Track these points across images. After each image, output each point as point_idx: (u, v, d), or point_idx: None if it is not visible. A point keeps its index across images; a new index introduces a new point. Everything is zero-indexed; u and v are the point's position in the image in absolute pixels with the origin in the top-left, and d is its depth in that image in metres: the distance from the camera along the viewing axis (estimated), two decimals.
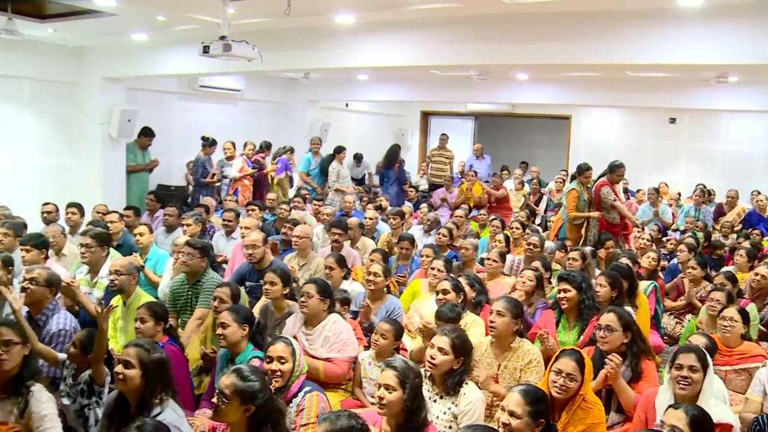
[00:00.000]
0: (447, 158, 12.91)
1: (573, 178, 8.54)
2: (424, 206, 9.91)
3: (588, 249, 6.78)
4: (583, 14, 5.94)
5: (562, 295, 4.68)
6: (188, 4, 6.34)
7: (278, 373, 3.42)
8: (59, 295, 4.55)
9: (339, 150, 10.93)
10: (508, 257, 6.79)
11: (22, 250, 5.34)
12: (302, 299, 4.35)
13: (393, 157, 12.33)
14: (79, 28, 7.93)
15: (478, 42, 6.54)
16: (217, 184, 10.23)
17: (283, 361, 3.46)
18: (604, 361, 3.80)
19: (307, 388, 3.47)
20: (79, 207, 7.24)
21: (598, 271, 6.00)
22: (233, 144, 10.41)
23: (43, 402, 3.27)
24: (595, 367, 3.64)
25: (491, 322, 4.06)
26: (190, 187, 10.60)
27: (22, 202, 8.07)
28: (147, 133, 9.79)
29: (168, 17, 7.13)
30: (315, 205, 9.02)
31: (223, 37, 5.39)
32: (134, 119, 9.48)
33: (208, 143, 10.15)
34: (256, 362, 3.70)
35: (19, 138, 9.03)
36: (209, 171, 10.00)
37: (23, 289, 4.20)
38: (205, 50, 5.42)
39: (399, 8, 6.36)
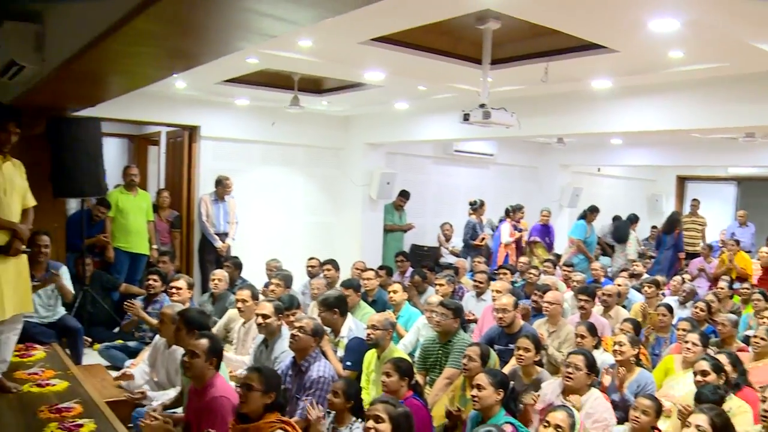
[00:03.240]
0: (700, 225, 12.14)
1: None
2: (677, 277, 9.33)
3: None
4: None
5: None
6: (449, 75, 6.64)
7: None
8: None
9: (592, 210, 10.71)
10: None
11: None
12: (569, 370, 4.27)
13: (674, 223, 11.75)
14: (349, 99, 8.64)
15: (748, 102, 6.12)
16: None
17: (559, 430, 3.45)
18: None
19: None
20: (335, 263, 7.76)
21: None
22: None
23: None
24: None
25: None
26: (442, 249, 10.91)
27: (290, 256, 8.84)
28: (403, 195, 10.32)
29: (429, 87, 7.52)
30: (564, 270, 8.86)
31: (482, 105, 5.54)
32: (393, 182, 10.03)
33: (478, 206, 10.44)
34: (509, 429, 3.70)
35: (291, 197, 9.94)
36: (479, 234, 10.25)
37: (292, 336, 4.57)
38: (466, 118, 5.60)
39: (659, 72, 6.17)
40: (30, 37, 5.09)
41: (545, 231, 10.83)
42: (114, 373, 5.56)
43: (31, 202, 4.51)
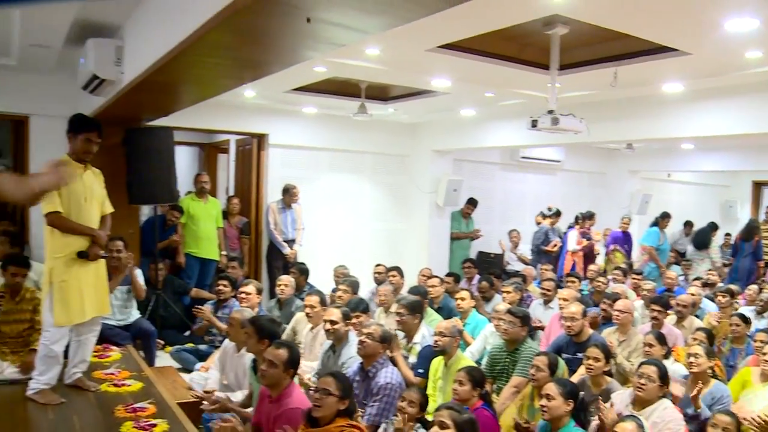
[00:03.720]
0: None
1: None
2: (754, 285, 9.01)
3: None
4: None
5: None
6: (516, 81, 6.60)
7: None
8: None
9: (665, 216, 10.46)
10: None
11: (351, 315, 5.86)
12: (642, 381, 4.18)
13: (753, 230, 11.38)
14: (416, 106, 8.65)
15: None
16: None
17: None
18: None
19: None
20: (400, 270, 7.77)
21: None
22: (543, 215, 10.54)
23: None
24: None
25: None
26: (509, 256, 10.82)
27: (357, 262, 8.90)
28: (471, 203, 10.29)
29: (496, 94, 7.48)
30: (634, 279, 8.67)
31: (550, 111, 5.49)
32: (459, 189, 10.00)
33: (554, 213, 10.35)
34: None
35: (358, 204, 10.01)
36: (551, 240, 10.16)
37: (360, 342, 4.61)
38: (534, 124, 5.56)
39: (734, 73, 5.99)
40: (110, 52, 5.30)
41: (625, 238, 10.63)
42: (185, 375, 5.71)
43: (109, 209, 4.67)
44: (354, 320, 5.73)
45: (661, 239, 10.34)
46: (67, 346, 4.57)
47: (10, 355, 5.04)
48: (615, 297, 6.45)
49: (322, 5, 2.84)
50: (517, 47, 5.89)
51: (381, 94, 8.30)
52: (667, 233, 10.63)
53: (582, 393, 4.19)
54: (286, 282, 6.98)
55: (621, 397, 4.34)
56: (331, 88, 7.71)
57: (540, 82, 6.20)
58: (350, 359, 4.92)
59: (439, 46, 5.45)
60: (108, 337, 5.71)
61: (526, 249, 10.79)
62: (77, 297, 4.38)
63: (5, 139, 8.29)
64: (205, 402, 4.28)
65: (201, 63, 4.20)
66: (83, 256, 4.36)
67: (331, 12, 2.93)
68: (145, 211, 8.53)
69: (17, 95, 7.25)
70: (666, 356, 5.27)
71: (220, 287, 6.52)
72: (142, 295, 6.36)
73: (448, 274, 8.21)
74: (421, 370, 5.17)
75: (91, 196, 4.46)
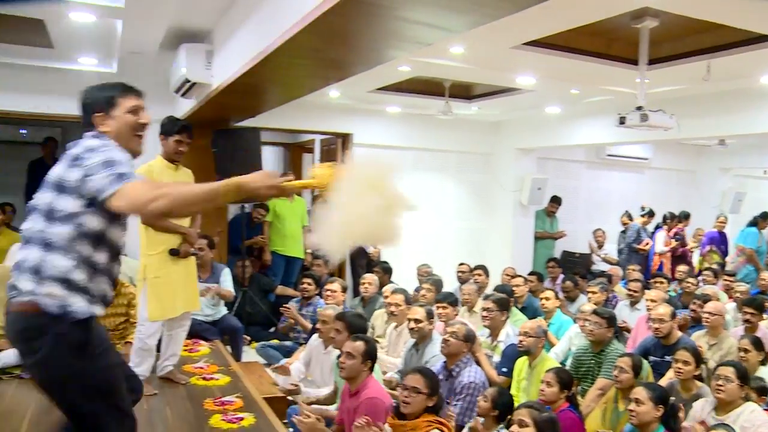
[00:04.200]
0: None
1: None
2: None
3: None
4: None
5: None
6: (603, 77, 6.47)
7: None
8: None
9: (764, 216, 10.01)
10: None
11: (437, 307, 5.88)
12: (719, 383, 4.06)
13: None
14: (499, 104, 8.59)
15: None
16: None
17: None
18: None
19: None
20: (485, 269, 7.73)
21: None
22: (629, 216, 10.28)
23: None
24: None
25: None
26: (594, 256, 10.61)
27: (440, 261, 8.90)
28: (555, 200, 10.14)
29: (582, 90, 7.35)
30: (726, 280, 8.36)
31: (639, 108, 5.35)
32: (544, 187, 9.87)
33: (647, 213, 10.12)
34: None
35: (441, 203, 9.99)
36: (642, 239, 9.94)
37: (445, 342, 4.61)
38: (622, 121, 5.43)
39: None
40: (201, 56, 5.48)
41: (721, 239, 10.26)
42: (271, 372, 5.83)
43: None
44: (441, 311, 5.76)
45: (760, 241, 9.91)
46: (160, 340, 4.74)
47: None
48: (705, 298, 6.23)
49: (408, 4, 2.85)
50: (604, 42, 5.77)
51: (465, 92, 8.27)
52: (765, 234, 10.17)
53: (672, 398, 4.08)
54: (370, 280, 7.04)
55: (702, 405, 4.20)
56: (415, 87, 7.73)
57: (628, 77, 6.04)
58: (433, 358, 4.92)
59: (524, 43, 5.39)
60: (197, 332, 5.88)
61: (611, 249, 10.56)
62: (169, 293, 4.53)
63: None
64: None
65: (288, 65, 4.29)
66: (175, 253, 4.51)
67: (417, 11, 2.94)
68: (232, 210, 8.75)
69: None
70: (763, 362, 5.07)
71: (305, 285, 6.63)
72: (230, 298, 6.52)
73: (531, 273, 8.12)
74: (505, 369, 5.14)
75: None
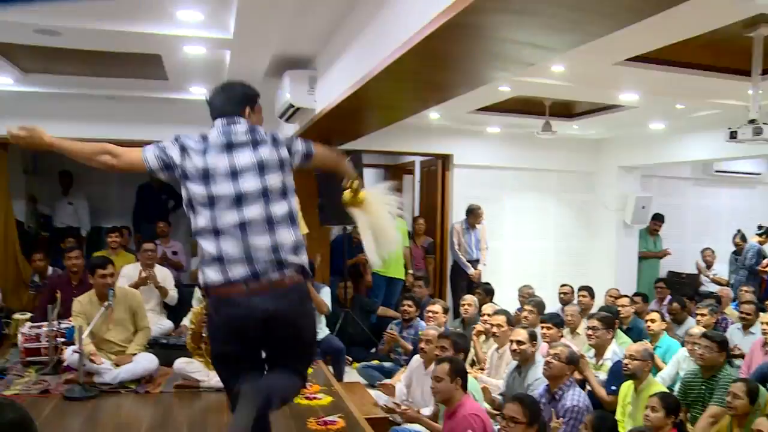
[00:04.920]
0: None
1: None
2: None
3: None
4: None
5: None
6: (711, 91, 6.24)
7: None
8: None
9: None
10: None
11: (542, 327, 5.80)
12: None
13: None
14: (601, 122, 8.42)
15: None
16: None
17: None
18: None
19: None
20: (590, 290, 7.57)
21: None
22: (743, 236, 9.80)
23: None
24: None
25: None
26: (701, 276, 10.20)
27: (542, 282, 8.77)
28: (657, 218, 9.83)
29: (688, 105, 7.12)
30: None
31: (752, 121, 5.14)
32: (648, 206, 9.60)
33: (764, 233, 9.69)
34: None
35: (542, 223, 9.89)
36: (761, 261, 9.51)
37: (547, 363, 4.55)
38: (732, 136, 5.23)
39: None
40: (304, 82, 5.63)
41: None
42: (372, 392, 5.87)
43: (304, 230, 4.94)
44: (545, 331, 5.68)
45: None
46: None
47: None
48: None
49: (511, 26, 2.86)
50: (712, 54, 5.56)
51: (565, 110, 8.16)
52: None
53: None
54: (470, 301, 7.02)
55: None
56: (515, 106, 7.68)
57: (739, 89, 5.81)
58: (536, 381, 4.85)
59: (627, 59, 5.28)
60: None
61: (720, 269, 10.11)
62: None
63: None
64: (395, 413, 4.41)
65: (389, 89, 4.37)
66: None
67: (519, 32, 2.95)
68: (334, 231, 8.90)
69: None
70: None
71: (405, 307, 6.67)
72: (324, 310, 6.62)
73: (637, 294, 7.90)
74: (614, 388, 5.01)
75: None
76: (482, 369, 5.96)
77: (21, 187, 9.61)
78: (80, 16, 4.79)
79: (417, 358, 5.29)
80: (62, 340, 5.63)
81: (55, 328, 5.58)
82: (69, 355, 5.34)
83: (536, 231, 9.84)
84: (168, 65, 6.11)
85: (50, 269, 7.46)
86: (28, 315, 6.63)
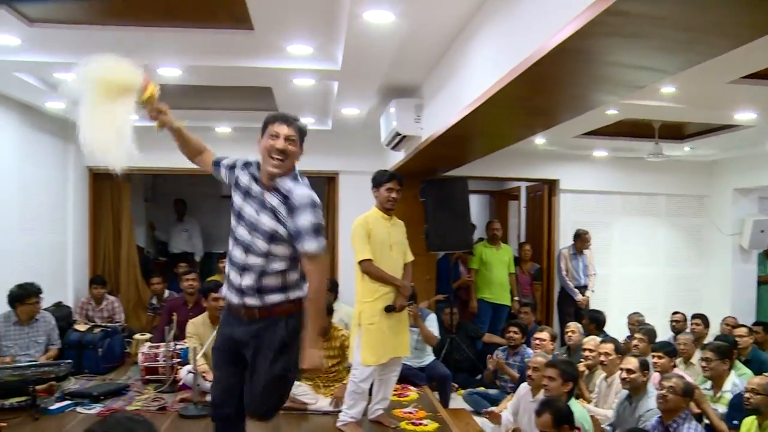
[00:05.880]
0: None
1: None
2: None
3: None
4: None
5: None
6: None
7: None
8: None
9: None
10: None
11: (653, 356, 5.60)
12: None
13: None
14: (715, 143, 8.12)
15: None
16: None
17: None
18: None
19: None
20: (703, 318, 7.27)
21: None
22: None
23: None
24: None
25: None
26: None
27: (651, 309, 8.49)
28: None
29: None
30: None
31: None
32: (767, 230, 9.15)
33: None
34: None
35: (652, 248, 9.60)
36: None
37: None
38: None
39: None
40: (410, 110, 5.73)
41: None
42: (477, 419, 5.82)
43: (410, 257, 5.00)
44: (656, 360, 5.50)
45: None
46: (371, 384, 4.92)
47: (323, 389, 5.54)
48: None
49: (620, 49, 2.82)
50: None
51: (676, 132, 7.89)
52: None
53: None
54: (573, 328, 6.88)
55: None
56: (622, 129, 7.51)
57: None
58: (648, 412, 4.68)
59: (743, 77, 5.07)
60: (406, 376, 6.01)
61: None
62: (382, 339, 4.72)
63: (319, 193, 9.26)
64: None
65: (495, 115, 4.37)
66: (391, 309, 4.72)
67: (629, 55, 2.89)
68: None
69: (330, 155, 8.12)
70: None
71: (511, 334, 6.60)
72: (433, 342, 6.61)
73: (757, 323, 7.51)
74: (735, 422, 4.77)
75: (395, 245, 4.82)
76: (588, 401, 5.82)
77: (141, 215, 10.14)
78: (201, 54, 5.07)
79: (524, 386, 5.21)
80: (178, 360, 5.91)
81: (171, 349, 5.86)
82: (184, 374, 5.62)
83: (646, 256, 9.55)
84: (278, 97, 6.34)
85: (166, 292, 7.83)
86: (148, 336, 6.99)
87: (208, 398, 5.06)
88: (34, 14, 4.40)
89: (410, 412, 5.34)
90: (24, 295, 5.90)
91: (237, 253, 3.10)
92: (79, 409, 5.29)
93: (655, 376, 5.25)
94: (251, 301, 3.06)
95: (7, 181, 6.51)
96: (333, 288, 6.99)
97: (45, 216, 7.33)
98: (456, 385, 7.06)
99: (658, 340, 6.63)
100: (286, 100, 6.46)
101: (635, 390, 4.87)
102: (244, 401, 3.17)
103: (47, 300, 6.47)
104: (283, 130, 3.06)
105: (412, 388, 6.12)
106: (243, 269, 3.06)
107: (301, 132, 3.14)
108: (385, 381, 4.99)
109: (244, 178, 3.17)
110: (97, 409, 5.29)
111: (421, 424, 5.07)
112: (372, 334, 4.69)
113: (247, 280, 3.05)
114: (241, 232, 3.09)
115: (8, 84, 5.93)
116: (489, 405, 6.21)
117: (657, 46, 2.75)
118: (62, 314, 6.98)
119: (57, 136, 7.50)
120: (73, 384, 5.93)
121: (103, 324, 7.09)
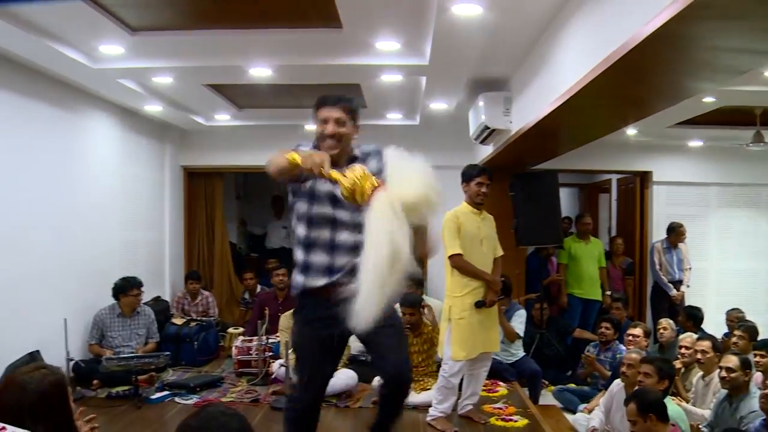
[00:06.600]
0: None
1: None
2: None
3: None
4: None
5: None
6: None
7: None
8: None
9: None
10: None
11: (755, 354, 5.36)
12: None
13: None
14: None
15: None
16: None
17: None
18: None
19: None
20: None
21: None
22: None
23: None
24: None
25: None
26: None
27: (753, 306, 8.13)
28: None
29: None
30: None
31: None
32: None
33: None
34: None
35: (753, 242, 9.17)
36: None
37: None
38: None
39: None
40: (499, 104, 5.69)
41: None
42: (568, 416, 5.73)
43: (500, 252, 4.96)
44: (759, 359, 5.29)
45: None
46: (461, 379, 4.91)
47: (413, 383, 5.55)
48: None
49: (725, 32, 2.69)
50: None
51: None
52: None
53: None
54: (665, 325, 6.68)
55: None
56: (720, 118, 7.19)
57: None
58: (751, 414, 4.49)
59: None
60: (496, 371, 5.97)
61: None
62: (471, 333, 4.71)
63: None
64: None
65: (587, 107, 4.28)
66: (481, 305, 4.70)
67: (731, 38, 2.76)
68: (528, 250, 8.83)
69: (418, 150, 8.02)
70: None
71: (603, 329, 6.47)
72: (513, 338, 6.52)
73: None
74: None
75: (485, 239, 4.79)
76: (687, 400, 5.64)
77: (233, 212, 10.42)
78: (291, 54, 5.17)
79: (618, 383, 5.09)
80: (270, 354, 6.06)
81: (263, 343, 6.02)
82: (276, 368, 5.76)
83: (746, 250, 9.14)
84: (366, 93, 6.40)
85: (258, 287, 8.02)
86: (240, 329, 7.19)
87: None
88: (136, 23, 4.61)
89: (500, 408, 5.32)
90: (127, 287, 6.23)
91: (344, 236, 3.05)
92: (177, 399, 5.53)
93: (757, 376, 5.04)
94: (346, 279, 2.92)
95: (109, 182, 6.81)
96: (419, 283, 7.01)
97: (143, 214, 7.63)
98: (546, 382, 6.97)
99: (760, 338, 6.37)
100: (374, 97, 6.52)
101: (736, 390, 4.69)
102: (390, 372, 3.13)
103: (146, 295, 6.76)
104: (332, 113, 3.01)
105: (501, 383, 6.08)
106: (353, 249, 2.97)
107: (352, 110, 3.08)
108: (474, 376, 4.97)
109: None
110: (193, 399, 5.51)
111: (510, 420, 5.04)
112: (462, 328, 4.68)
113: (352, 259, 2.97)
114: (341, 214, 3.05)
115: (112, 90, 6.22)
116: (580, 402, 6.12)
117: (763, 26, 2.62)
118: (160, 308, 7.29)
119: (153, 137, 7.81)
120: (171, 375, 6.18)
121: (198, 318, 7.35)
